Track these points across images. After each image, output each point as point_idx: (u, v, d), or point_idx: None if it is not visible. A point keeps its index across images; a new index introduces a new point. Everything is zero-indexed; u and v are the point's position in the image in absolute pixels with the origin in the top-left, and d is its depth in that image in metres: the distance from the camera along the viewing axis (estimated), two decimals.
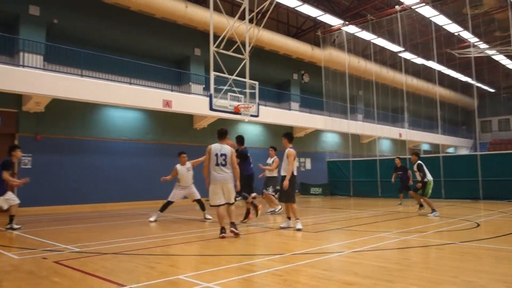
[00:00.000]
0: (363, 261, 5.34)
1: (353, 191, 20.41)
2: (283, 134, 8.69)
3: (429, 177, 10.91)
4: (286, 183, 8.09)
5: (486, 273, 4.63)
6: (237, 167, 7.66)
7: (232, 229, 7.40)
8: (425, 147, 35.14)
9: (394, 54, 27.68)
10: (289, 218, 8.58)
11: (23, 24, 14.40)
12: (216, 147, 7.44)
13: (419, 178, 10.98)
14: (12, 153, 8.99)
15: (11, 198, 8.85)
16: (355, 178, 20.53)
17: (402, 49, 24.86)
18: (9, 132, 13.99)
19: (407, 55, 26.95)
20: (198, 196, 10.48)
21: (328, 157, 22.88)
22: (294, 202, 8.38)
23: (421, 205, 12.00)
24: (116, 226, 9.60)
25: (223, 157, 7.38)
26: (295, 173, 8.39)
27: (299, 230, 8.10)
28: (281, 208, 11.36)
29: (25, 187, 13.71)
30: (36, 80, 13.15)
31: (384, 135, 27.97)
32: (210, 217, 10.25)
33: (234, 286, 4.23)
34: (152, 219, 10.23)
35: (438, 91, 25.55)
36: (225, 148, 7.49)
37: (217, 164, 7.36)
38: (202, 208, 10.45)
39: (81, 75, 14.56)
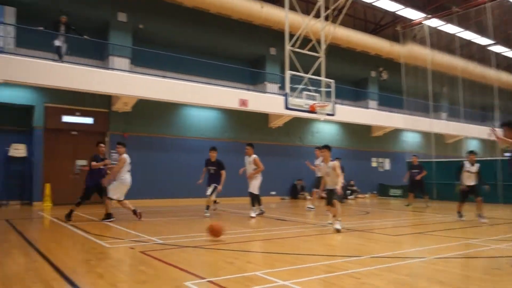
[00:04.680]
0: (448, 268, 5.02)
1: (437, 193, 19.27)
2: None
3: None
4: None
5: None
6: None
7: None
8: None
9: (483, 48, 25.63)
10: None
11: (113, 30, 15.48)
12: None
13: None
14: None
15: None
16: (439, 180, 19.37)
17: (492, 41, 22.94)
18: (102, 130, 15.17)
19: (498, 48, 24.81)
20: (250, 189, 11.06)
21: (409, 158, 21.81)
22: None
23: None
24: (194, 221, 9.98)
25: None
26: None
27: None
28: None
29: None
30: (124, 82, 14.09)
31: (471, 135, 26.04)
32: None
33: (311, 286, 4.18)
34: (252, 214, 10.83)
35: None
36: None
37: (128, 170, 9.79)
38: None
39: (164, 77, 15.33)
